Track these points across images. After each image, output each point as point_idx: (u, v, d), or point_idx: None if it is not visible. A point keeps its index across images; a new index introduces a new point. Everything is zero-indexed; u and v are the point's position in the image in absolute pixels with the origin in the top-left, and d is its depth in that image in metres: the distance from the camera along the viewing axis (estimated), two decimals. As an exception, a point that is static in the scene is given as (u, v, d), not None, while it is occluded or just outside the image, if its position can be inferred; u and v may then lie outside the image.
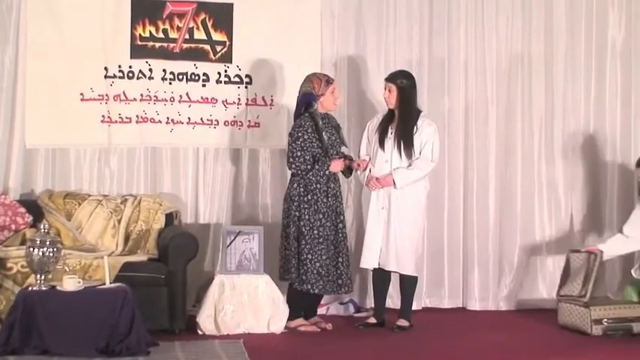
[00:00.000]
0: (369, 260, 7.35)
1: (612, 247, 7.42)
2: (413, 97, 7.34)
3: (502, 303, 8.31)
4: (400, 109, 7.29)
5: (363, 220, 7.91)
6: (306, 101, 7.21)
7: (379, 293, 7.46)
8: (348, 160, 7.31)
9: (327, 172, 7.15)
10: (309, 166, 7.13)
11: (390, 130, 7.32)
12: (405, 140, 7.23)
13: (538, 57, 8.47)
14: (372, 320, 7.42)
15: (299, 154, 7.13)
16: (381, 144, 7.30)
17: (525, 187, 8.44)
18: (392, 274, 7.40)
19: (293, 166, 7.15)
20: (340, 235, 7.23)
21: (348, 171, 7.38)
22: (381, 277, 7.41)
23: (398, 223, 7.26)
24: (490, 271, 8.32)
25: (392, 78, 7.35)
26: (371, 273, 7.53)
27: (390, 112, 7.36)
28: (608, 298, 7.84)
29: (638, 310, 7.20)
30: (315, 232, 7.12)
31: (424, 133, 7.28)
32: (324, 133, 7.15)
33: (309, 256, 7.09)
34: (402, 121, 7.28)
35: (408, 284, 7.36)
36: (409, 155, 7.23)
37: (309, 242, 7.10)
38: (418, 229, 7.39)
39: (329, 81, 7.26)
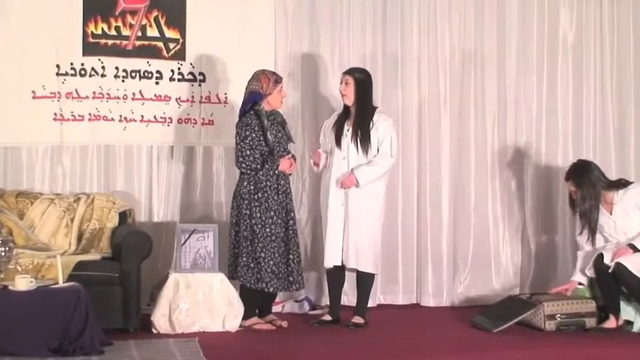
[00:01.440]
0: (331, 258, 7.33)
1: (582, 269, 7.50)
2: (369, 91, 7.35)
3: (456, 299, 8.36)
4: (357, 103, 7.30)
5: (317, 218, 7.92)
6: (252, 100, 7.19)
7: (334, 290, 7.46)
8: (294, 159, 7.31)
9: (276, 171, 7.14)
10: (258, 165, 7.10)
11: (346, 127, 7.32)
12: (362, 135, 7.24)
13: (490, 52, 8.54)
14: (328, 317, 7.42)
15: (248, 152, 7.10)
16: (338, 141, 7.31)
17: (479, 184, 8.49)
18: (346, 272, 7.41)
19: (243, 165, 7.11)
20: (290, 232, 7.21)
21: None
22: (337, 274, 7.41)
23: (358, 219, 7.26)
24: (444, 268, 8.36)
25: (350, 71, 7.39)
26: (325, 270, 7.55)
27: (346, 109, 7.37)
28: (561, 294, 7.89)
29: (591, 305, 7.27)
30: (267, 230, 7.10)
31: (381, 128, 7.29)
32: (268, 134, 7.12)
33: (263, 255, 7.06)
34: (358, 115, 7.29)
35: (365, 282, 7.38)
36: (366, 151, 7.24)
37: (262, 241, 7.07)
38: (377, 225, 7.40)
39: (277, 80, 7.22)
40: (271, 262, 7.08)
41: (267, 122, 7.13)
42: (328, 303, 7.59)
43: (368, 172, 7.24)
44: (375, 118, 7.31)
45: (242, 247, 7.08)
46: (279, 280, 7.12)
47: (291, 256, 7.17)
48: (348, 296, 7.78)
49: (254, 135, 7.10)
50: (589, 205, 7.29)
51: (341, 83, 7.37)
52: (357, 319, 7.30)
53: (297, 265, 7.19)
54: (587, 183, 7.32)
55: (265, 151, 7.12)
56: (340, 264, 7.33)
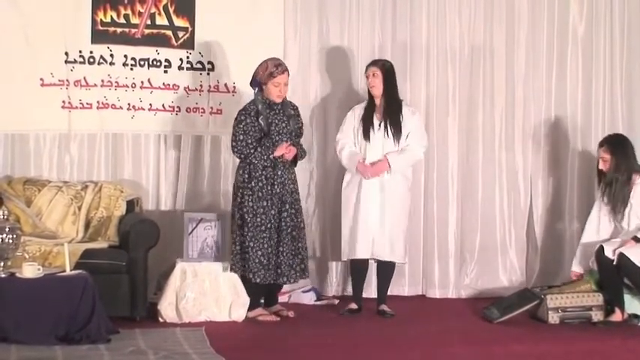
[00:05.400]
0: (364, 250, 7.36)
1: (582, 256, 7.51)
2: (396, 82, 7.45)
3: (463, 291, 8.34)
4: (385, 94, 7.37)
5: (325, 209, 7.95)
6: (253, 85, 7.20)
7: (360, 280, 7.54)
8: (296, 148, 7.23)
9: (270, 157, 7.08)
10: (251, 150, 7.05)
11: (376, 121, 7.35)
12: (395, 129, 7.32)
13: (500, 45, 8.51)
14: (354, 306, 7.46)
15: (241, 137, 7.07)
16: (367, 135, 7.32)
17: (486, 176, 8.47)
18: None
19: (235, 149, 7.09)
20: (283, 223, 7.11)
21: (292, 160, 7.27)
22: (363, 264, 7.47)
23: (393, 211, 7.34)
24: (451, 260, 8.35)
25: (376, 62, 7.45)
26: (342, 261, 7.69)
27: (371, 101, 7.37)
28: (571, 287, 7.85)
29: (598, 298, 7.25)
30: (258, 219, 7.04)
31: (409, 122, 7.39)
32: (260, 118, 7.06)
33: (252, 244, 7.01)
34: (387, 108, 7.37)
35: (392, 271, 7.50)
36: (398, 143, 7.32)
37: (252, 230, 7.03)
38: (406, 215, 7.53)
39: (272, 74, 7.08)
40: (259, 253, 7.02)
41: (261, 106, 7.08)
42: (352, 292, 7.65)
43: (400, 158, 7.31)
44: (403, 110, 7.39)
45: (235, 235, 7.08)
46: (267, 272, 7.04)
47: (281, 248, 7.09)
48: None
49: (249, 120, 7.07)
50: (619, 177, 7.30)
51: (367, 76, 7.37)
52: (387, 307, 7.43)
53: (287, 259, 7.10)
54: (622, 153, 7.35)
55: (262, 138, 7.07)
56: (370, 257, 7.38)
